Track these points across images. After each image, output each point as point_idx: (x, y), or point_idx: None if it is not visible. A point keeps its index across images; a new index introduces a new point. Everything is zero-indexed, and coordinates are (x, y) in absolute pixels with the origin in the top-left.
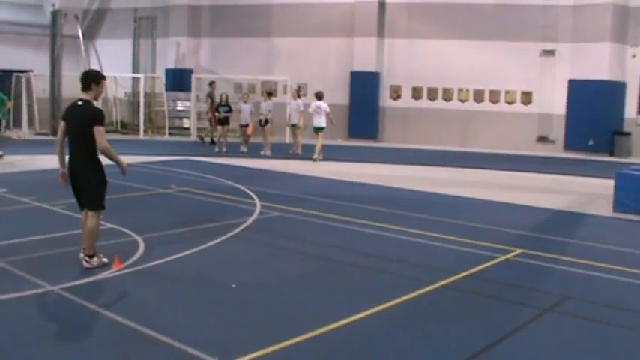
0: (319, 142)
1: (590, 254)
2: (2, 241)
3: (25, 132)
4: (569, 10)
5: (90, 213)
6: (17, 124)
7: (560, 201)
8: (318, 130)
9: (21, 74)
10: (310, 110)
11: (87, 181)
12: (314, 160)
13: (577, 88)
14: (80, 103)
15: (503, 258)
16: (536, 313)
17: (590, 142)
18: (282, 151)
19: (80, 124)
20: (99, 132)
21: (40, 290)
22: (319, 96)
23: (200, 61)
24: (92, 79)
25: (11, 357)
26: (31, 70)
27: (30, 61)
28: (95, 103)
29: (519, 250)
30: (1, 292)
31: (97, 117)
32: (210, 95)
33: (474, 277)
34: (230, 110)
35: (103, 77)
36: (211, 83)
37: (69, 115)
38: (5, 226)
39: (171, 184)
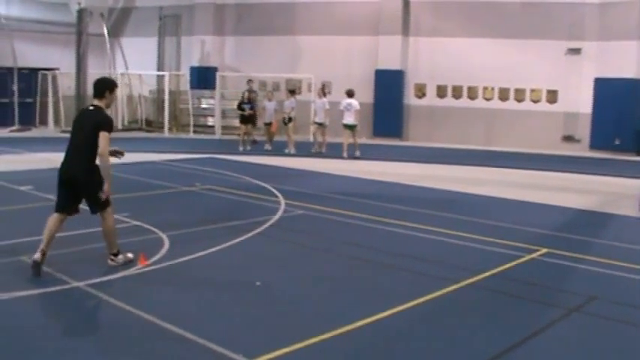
0: (355, 139)
1: (616, 254)
2: (28, 238)
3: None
4: (595, 7)
5: (102, 214)
6: (43, 122)
7: (586, 200)
8: (349, 127)
9: (47, 72)
10: (341, 108)
11: (89, 187)
12: (356, 157)
13: (603, 87)
14: (91, 108)
15: (528, 257)
16: (562, 314)
17: (617, 142)
18: (306, 149)
19: (88, 129)
20: (104, 137)
21: (65, 287)
22: (350, 94)
23: (225, 59)
24: (107, 87)
25: (37, 352)
26: (57, 68)
27: (56, 59)
28: (108, 111)
29: (545, 250)
30: (27, 289)
31: (106, 123)
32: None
33: (499, 276)
34: (252, 108)
35: (117, 86)
36: (249, 81)
37: (78, 119)
38: (31, 222)
39: (195, 182)
